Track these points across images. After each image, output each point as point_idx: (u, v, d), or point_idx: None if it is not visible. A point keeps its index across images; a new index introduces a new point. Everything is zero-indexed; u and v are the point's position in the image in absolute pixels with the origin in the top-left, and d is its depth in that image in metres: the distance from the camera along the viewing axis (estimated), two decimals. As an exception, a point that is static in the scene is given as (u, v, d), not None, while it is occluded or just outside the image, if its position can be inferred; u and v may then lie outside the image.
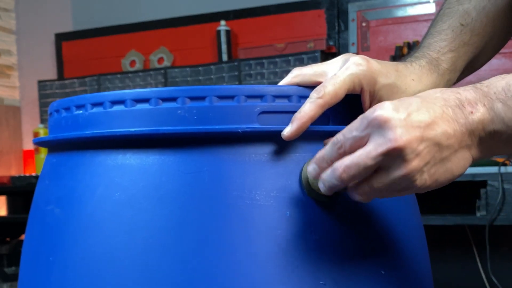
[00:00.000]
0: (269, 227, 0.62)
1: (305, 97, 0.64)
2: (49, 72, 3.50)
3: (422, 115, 0.56)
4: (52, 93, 3.29)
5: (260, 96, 0.64)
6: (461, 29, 0.79)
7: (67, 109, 0.69)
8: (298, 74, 0.67)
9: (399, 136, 0.54)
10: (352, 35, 2.84)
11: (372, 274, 0.66)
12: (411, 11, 2.74)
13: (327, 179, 0.59)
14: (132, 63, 3.25)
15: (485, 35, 0.80)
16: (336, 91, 0.63)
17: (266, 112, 0.64)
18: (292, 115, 0.63)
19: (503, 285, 2.34)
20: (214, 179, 0.62)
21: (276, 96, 0.64)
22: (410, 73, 0.70)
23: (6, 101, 3.50)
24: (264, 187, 0.63)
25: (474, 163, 0.64)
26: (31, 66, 3.57)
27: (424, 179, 0.57)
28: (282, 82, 0.68)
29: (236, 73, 2.87)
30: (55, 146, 0.73)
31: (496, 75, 0.59)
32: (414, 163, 0.55)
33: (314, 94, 0.63)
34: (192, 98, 0.63)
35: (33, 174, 3.07)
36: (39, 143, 0.74)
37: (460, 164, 0.58)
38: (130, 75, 3.12)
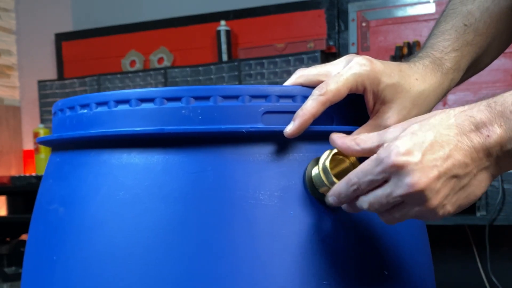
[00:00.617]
0: (273, 226, 0.62)
1: (309, 97, 0.64)
2: (49, 72, 3.49)
3: (436, 153, 0.56)
4: (52, 93, 3.28)
5: (265, 96, 0.64)
6: (464, 29, 0.79)
7: (72, 108, 0.69)
8: (302, 75, 0.67)
9: (417, 180, 0.55)
10: (352, 35, 2.83)
11: (375, 274, 0.66)
12: (411, 11, 2.74)
13: (349, 210, 0.62)
14: (132, 63, 3.25)
15: (488, 35, 0.80)
16: (339, 88, 0.63)
17: (270, 112, 0.64)
18: (296, 115, 0.63)
19: (503, 285, 2.34)
20: (218, 178, 0.62)
21: (281, 96, 0.64)
22: (414, 72, 0.70)
23: (6, 101, 3.50)
24: (268, 187, 0.63)
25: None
26: (31, 66, 3.57)
27: (447, 210, 0.58)
28: (286, 83, 0.68)
29: (236, 73, 2.86)
30: (59, 145, 0.73)
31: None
32: (435, 201, 0.56)
33: (316, 92, 0.63)
34: (197, 98, 0.63)
35: (33, 174, 3.06)
36: (43, 142, 0.74)
37: (481, 185, 0.58)
38: (130, 75, 3.11)
